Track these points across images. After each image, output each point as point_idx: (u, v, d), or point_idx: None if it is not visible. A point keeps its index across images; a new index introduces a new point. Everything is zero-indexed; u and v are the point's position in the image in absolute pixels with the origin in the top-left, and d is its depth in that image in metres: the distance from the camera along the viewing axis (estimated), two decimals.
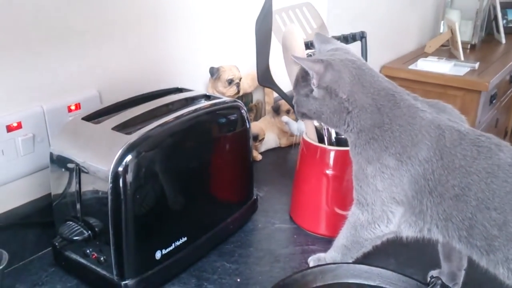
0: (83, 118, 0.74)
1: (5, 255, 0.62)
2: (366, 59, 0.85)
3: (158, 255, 0.72)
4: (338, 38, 0.84)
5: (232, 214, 0.85)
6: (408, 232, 0.67)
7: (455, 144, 0.61)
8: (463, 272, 0.73)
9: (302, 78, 0.70)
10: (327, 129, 0.85)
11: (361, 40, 0.86)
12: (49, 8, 0.79)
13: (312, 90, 0.68)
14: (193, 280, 0.76)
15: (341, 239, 0.73)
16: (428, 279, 0.68)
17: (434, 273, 0.74)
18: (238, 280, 0.76)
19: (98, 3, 0.86)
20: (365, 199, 0.67)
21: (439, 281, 0.65)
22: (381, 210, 0.66)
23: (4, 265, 0.61)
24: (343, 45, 0.73)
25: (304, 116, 0.72)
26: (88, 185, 0.69)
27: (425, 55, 2.27)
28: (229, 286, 0.74)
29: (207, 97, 0.84)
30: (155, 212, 0.71)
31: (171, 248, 0.73)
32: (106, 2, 0.87)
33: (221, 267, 0.79)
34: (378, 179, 0.65)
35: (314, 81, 0.66)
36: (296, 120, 1.14)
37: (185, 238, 0.76)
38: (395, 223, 0.66)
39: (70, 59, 0.84)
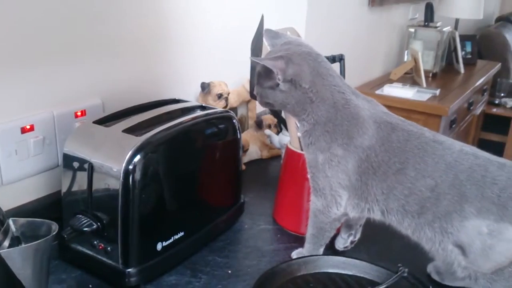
0: (94, 122, 0.82)
1: (55, 226, 0.68)
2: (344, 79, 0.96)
3: (159, 246, 0.79)
4: None
5: (223, 214, 0.94)
6: (353, 213, 0.80)
7: (390, 133, 0.75)
8: (359, 229, 0.90)
9: (264, 72, 0.77)
10: None
11: (340, 62, 0.97)
12: (60, 26, 0.87)
13: (277, 84, 0.76)
14: (188, 271, 0.83)
15: (309, 230, 0.84)
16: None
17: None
18: (229, 271, 0.84)
19: (103, 22, 0.94)
20: (318, 185, 0.79)
21: (406, 269, 0.75)
22: (331, 195, 0.78)
23: (54, 233, 0.68)
24: (293, 37, 0.84)
25: (268, 105, 0.80)
26: (98, 182, 0.76)
27: (391, 81, 2.42)
28: (221, 277, 0.82)
29: (202, 107, 0.93)
30: (157, 207, 0.79)
31: (170, 241, 0.81)
32: (111, 21, 0.96)
33: (213, 261, 0.87)
34: (327, 166, 0.77)
35: (279, 76, 0.75)
36: (277, 133, 1.24)
37: (182, 233, 0.84)
38: (344, 205, 0.79)
39: (77, 70, 0.92)
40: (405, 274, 0.75)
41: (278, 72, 0.75)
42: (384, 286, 0.74)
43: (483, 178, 0.69)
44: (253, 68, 0.89)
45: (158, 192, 0.79)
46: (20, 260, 0.62)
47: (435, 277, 0.83)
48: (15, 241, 0.66)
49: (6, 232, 0.64)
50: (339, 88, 0.77)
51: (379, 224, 0.80)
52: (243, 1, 1.31)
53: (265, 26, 0.92)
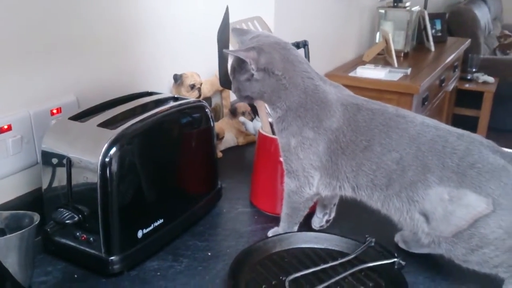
0: (69, 118, 0.84)
1: (37, 216, 0.72)
2: None
3: (139, 234, 0.83)
4: None
5: (201, 200, 0.98)
6: (325, 192, 0.84)
7: (355, 113, 0.79)
8: (333, 208, 0.94)
9: (239, 66, 0.82)
10: None
11: (304, 48, 1.01)
12: (32, 26, 0.89)
13: (252, 75, 0.80)
14: (170, 256, 0.87)
15: (284, 210, 0.88)
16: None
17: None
18: (209, 253, 0.88)
19: (75, 20, 0.97)
20: (291, 167, 0.83)
21: (373, 239, 0.80)
22: (303, 176, 0.82)
23: (36, 223, 0.72)
24: (261, 31, 0.88)
25: (248, 98, 0.84)
26: (77, 176, 0.79)
27: (363, 63, 2.48)
28: (201, 259, 0.86)
29: (175, 98, 0.96)
30: (136, 196, 0.82)
31: (150, 228, 0.85)
32: (82, 18, 0.98)
33: (193, 245, 0.91)
34: (299, 149, 0.81)
35: (252, 66, 0.79)
36: (252, 120, 1.28)
37: (162, 220, 0.87)
38: (315, 185, 0.83)
39: (51, 69, 0.94)
40: (372, 244, 0.80)
41: (251, 62, 0.79)
42: (353, 255, 0.79)
43: (443, 148, 0.74)
44: (221, 58, 0.92)
45: (135, 182, 0.82)
46: (5, 249, 0.66)
47: (402, 245, 0.88)
48: (0, 233, 0.69)
49: None
50: (309, 74, 0.81)
51: (350, 202, 0.84)
52: None
53: (235, 16, 0.96)
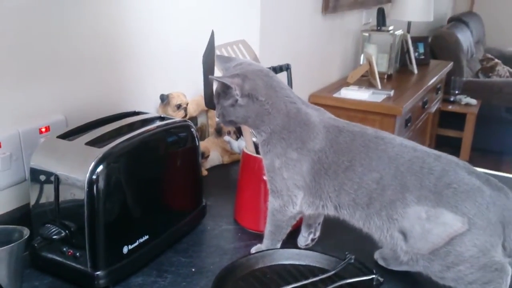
0: (58, 137, 0.87)
1: (26, 231, 0.75)
2: (291, 87, 1.04)
3: (125, 250, 0.85)
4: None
5: (186, 217, 1.00)
6: (308, 210, 0.87)
7: (337, 135, 0.82)
8: (318, 227, 0.97)
9: (223, 92, 0.85)
10: None
11: (286, 71, 1.05)
12: (22, 46, 0.92)
13: (236, 100, 0.84)
14: (154, 272, 0.89)
15: (267, 227, 0.91)
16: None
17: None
18: (193, 269, 0.90)
19: (63, 40, 1.00)
20: (276, 187, 0.86)
21: (353, 256, 0.83)
22: (287, 195, 0.85)
23: (25, 237, 0.75)
24: (244, 59, 0.91)
25: (232, 123, 0.87)
26: (65, 193, 0.81)
27: (347, 84, 2.52)
28: (185, 275, 0.88)
29: (162, 118, 0.99)
30: (122, 213, 0.85)
31: (135, 244, 0.87)
32: (70, 39, 1.01)
33: (177, 261, 0.93)
34: (284, 170, 0.84)
35: (237, 92, 0.82)
36: (237, 139, 1.31)
37: (147, 236, 0.89)
38: (299, 204, 0.86)
39: (40, 88, 0.96)
40: (352, 261, 0.82)
41: (236, 88, 0.82)
42: (333, 272, 0.82)
43: (421, 169, 0.77)
44: (206, 80, 0.96)
45: (121, 199, 0.84)
46: None
47: (381, 263, 0.91)
48: None
49: None
50: (291, 99, 0.85)
51: (333, 221, 0.87)
52: (198, 15, 1.38)
53: (220, 39, 0.99)
